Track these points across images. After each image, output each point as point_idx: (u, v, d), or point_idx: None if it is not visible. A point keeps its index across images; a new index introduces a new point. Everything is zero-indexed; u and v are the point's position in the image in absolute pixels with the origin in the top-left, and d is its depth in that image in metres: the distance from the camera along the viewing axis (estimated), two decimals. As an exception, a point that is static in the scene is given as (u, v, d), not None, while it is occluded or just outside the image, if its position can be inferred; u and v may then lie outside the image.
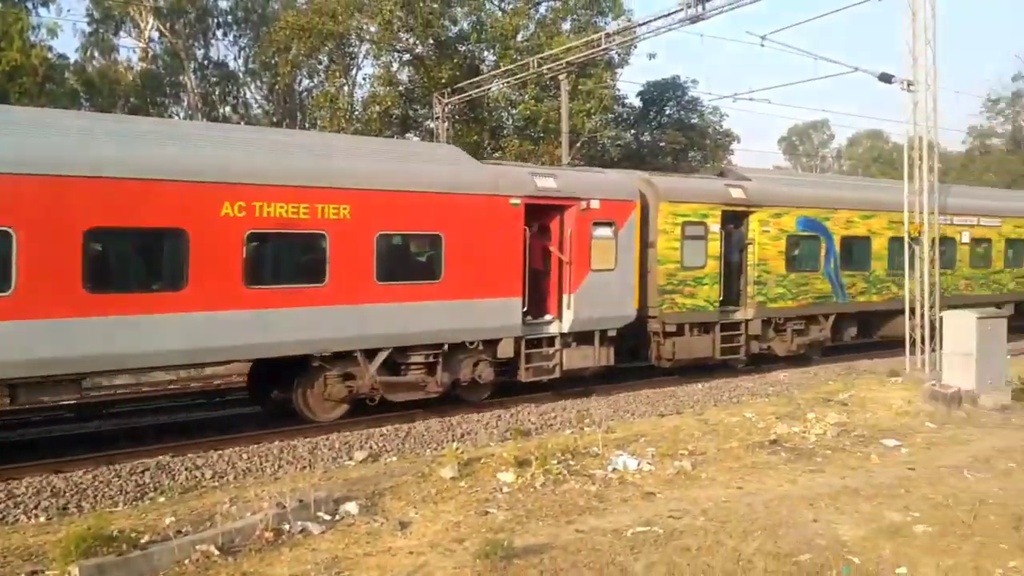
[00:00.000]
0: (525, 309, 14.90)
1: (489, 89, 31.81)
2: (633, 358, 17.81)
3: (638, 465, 10.23)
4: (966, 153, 66.92)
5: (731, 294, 18.30)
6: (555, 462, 9.87)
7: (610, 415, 14.22)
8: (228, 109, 44.19)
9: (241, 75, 45.32)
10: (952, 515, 9.29)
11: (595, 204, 15.60)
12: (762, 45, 19.16)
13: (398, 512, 8.54)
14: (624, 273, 16.18)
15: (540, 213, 15.38)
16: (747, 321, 18.36)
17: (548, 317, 15.61)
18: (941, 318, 15.12)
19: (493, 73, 32.24)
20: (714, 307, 17.66)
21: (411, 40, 34.66)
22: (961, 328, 14.19)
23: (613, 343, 16.30)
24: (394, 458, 11.55)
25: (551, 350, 15.57)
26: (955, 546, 8.75)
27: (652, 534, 8.00)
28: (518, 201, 14.58)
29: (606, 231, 15.90)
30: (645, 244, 16.83)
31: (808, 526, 8.51)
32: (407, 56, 35.82)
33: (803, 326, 19.46)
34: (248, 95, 45.86)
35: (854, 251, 20.45)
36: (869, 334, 21.74)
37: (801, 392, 15.52)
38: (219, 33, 44.34)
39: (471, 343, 14.38)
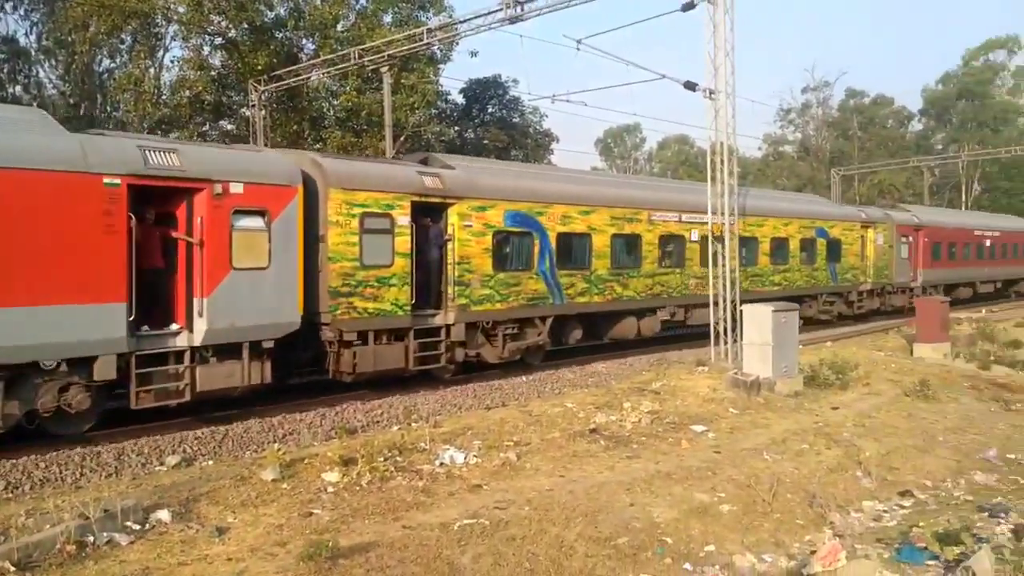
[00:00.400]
0: (133, 317, 11.78)
1: (309, 78, 30.95)
2: (317, 371, 15.88)
3: (465, 458, 10.31)
4: (762, 159, 72.42)
5: (429, 297, 16.32)
6: (382, 459, 9.76)
7: (438, 409, 14.23)
8: (19, 88, 40.25)
9: (33, 52, 41.41)
10: (754, 494, 10.04)
11: (236, 188, 12.89)
12: (578, 49, 19.62)
13: (215, 518, 8.14)
14: (282, 273, 13.52)
15: (158, 197, 12.51)
16: (448, 326, 16.33)
17: (174, 327, 12.62)
18: (742, 311, 16.28)
19: (312, 62, 31.41)
20: (405, 311, 15.45)
21: (224, 23, 33.10)
22: (759, 320, 15.34)
23: (270, 356, 13.56)
24: (210, 462, 10.99)
25: (179, 367, 12.54)
26: (757, 523, 9.47)
27: (479, 526, 8.09)
28: (117, 181, 11.51)
29: (254, 221, 13.19)
30: (313, 238, 14.28)
31: (626, 510, 8.91)
32: (220, 40, 34.19)
33: (517, 330, 17.80)
34: (41, 74, 42.01)
35: (574, 249, 18.99)
36: (599, 336, 20.71)
37: (618, 382, 16.20)
38: (8, 6, 40.23)
39: (48, 363, 11.18)
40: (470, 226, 16.54)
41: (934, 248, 34.16)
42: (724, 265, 18.10)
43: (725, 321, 17.89)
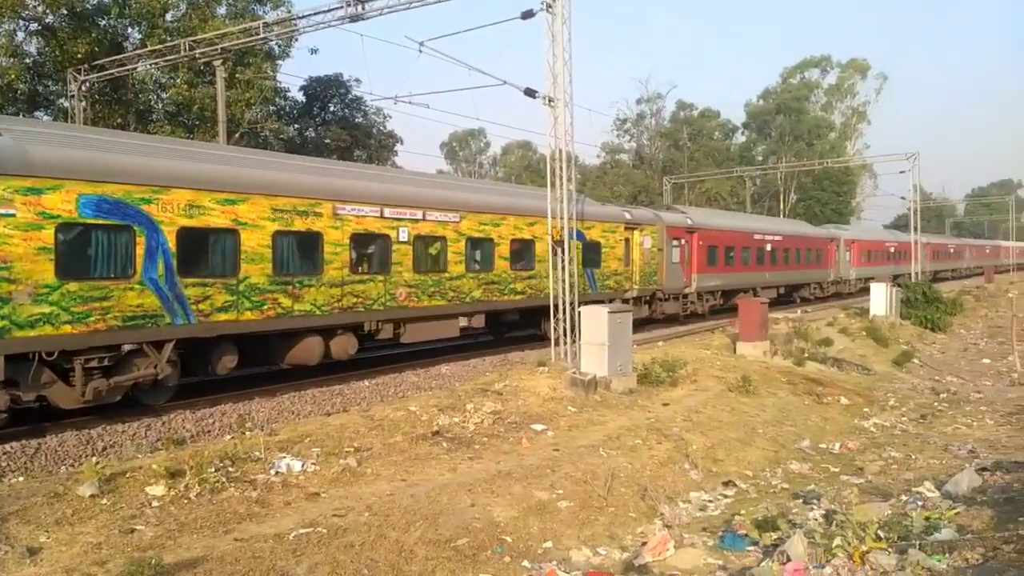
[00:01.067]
0: None
1: (135, 69, 29.18)
2: None
3: (303, 466, 10.01)
4: (600, 166, 74.97)
5: None
6: (212, 470, 9.30)
7: (274, 417, 13.77)
8: None
9: None
10: (590, 490, 10.35)
11: None
12: (420, 51, 19.48)
13: (26, 538, 7.49)
14: None
15: None
16: None
17: None
18: (580, 312, 16.74)
19: (139, 52, 29.62)
20: None
21: (40, 8, 30.66)
22: (596, 321, 15.82)
23: None
24: (20, 478, 10.12)
25: None
26: (593, 518, 9.76)
27: (316, 535, 7.88)
28: None
29: None
30: None
31: (466, 511, 8.94)
32: (35, 26, 31.63)
33: (110, 363, 13.18)
34: None
35: (209, 250, 14.72)
36: (272, 361, 16.77)
37: (462, 384, 16.26)
38: None
39: None
40: (11, 215, 11.86)
41: (710, 252, 32.65)
42: (564, 268, 18.53)
43: (564, 323, 18.35)
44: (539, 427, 12.83)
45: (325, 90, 40.67)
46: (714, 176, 60.57)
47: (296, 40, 34.82)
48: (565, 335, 18.21)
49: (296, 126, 40.39)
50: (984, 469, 11.23)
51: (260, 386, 16.02)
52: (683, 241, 30.71)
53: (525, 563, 8.20)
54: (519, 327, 23.67)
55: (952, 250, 71.05)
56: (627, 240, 27.08)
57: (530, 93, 18.86)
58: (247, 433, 11.64)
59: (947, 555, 7.12)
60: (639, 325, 23.67)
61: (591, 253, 24.91)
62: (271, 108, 36.50)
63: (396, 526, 8.27)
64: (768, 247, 38.16)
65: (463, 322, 20.41)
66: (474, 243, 20.47)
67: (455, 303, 19.82)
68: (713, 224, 34.31)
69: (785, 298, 41.22)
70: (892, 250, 56.86)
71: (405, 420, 12.47)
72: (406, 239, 18.36)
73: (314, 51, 44.37)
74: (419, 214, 18.57)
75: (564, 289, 18.31)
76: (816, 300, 43.50)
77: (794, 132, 71.66)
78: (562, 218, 18.34)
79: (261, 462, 10.04)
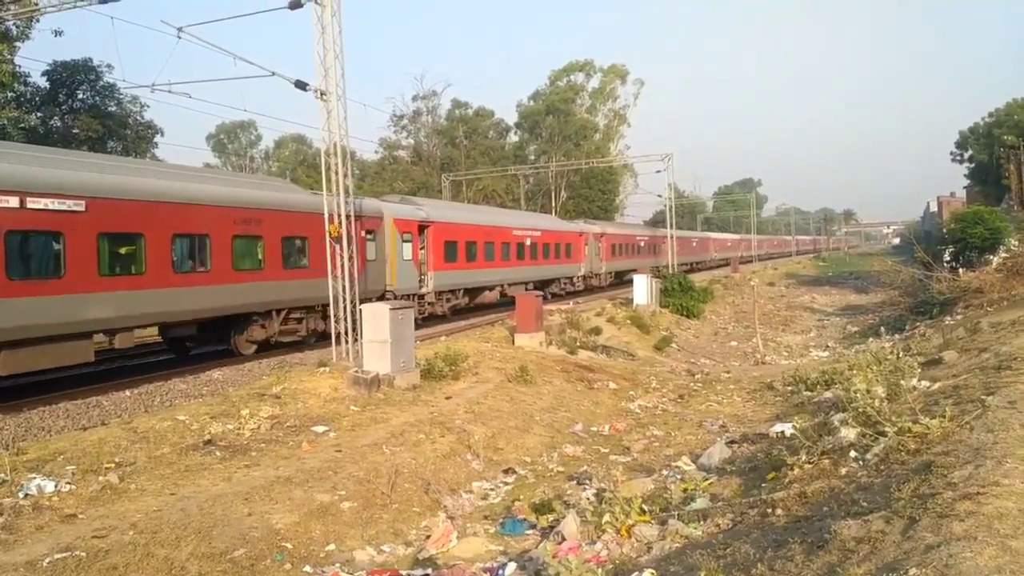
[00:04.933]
0: None
1: None
2: None
3: (56, 486, 9.17)
4: (379, 162, 74.43)
5: None
6: (-56, 500, 8.28)
7: (21, 434, 12.42)
8: None
9: None
10: (374, 488, 10.30)
11: None
12: (179, 37, 18.27)
13: None
14: None
15: None
16: None
17: None
18: (361, 310, 16.57)
19: None
20: None
21: None
22: (377, 318, 15.74)
23: None
24: None
25: None
26: (377, 516, 9.74)
27: (74, 559, 7.26)
28: None
29: None
30: None
31: (243, 521, 8.59)
32: None
33: None
34: None
35: None
36: None
37: (236, 389, 15.52)
38: None
39: None
40: None
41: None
42: (343, 266, 18.21)
43: (346, 321, 18.06)
44: (320, 429, 12.58)
45: (72, 76, 37.07)
46: (490, 174, 62.11)
47: (37, 21, 31.49)
48: (346, 333, 17.93)
49: (39, 114, 36.56)
50: (733, 442, 12.44)
51: (3, 401, 14.39)
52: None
53: (307, 568, 8.03)
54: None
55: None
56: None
57: (301, 85, 18.33)
58: (-13, 455, 10.45)
59: (702, 522, 7.83)
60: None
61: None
62: (9, 95, 32.78)
63: (165, 543, 7.78)
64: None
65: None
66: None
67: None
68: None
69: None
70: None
71: (173, 430, 11.74)
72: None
73: (58, 33, 40.30)
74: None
75: (344, 287, 18.00)
76: (567, 296, 41.34)
77: (563, 133, 74.92)
78: (340, 214, 18.00)
79: (7, 484, 9.06)
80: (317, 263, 19.90)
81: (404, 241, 26.65)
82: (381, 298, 23.49)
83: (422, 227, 28.39)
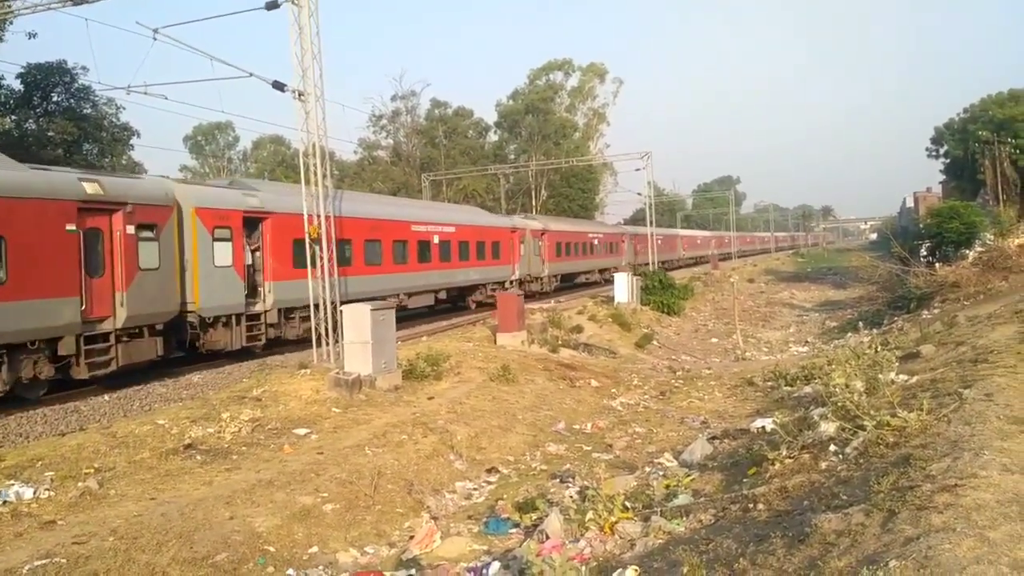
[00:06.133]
0: None
1: None
2: None
3: (35, 493, 9.09)
4: (358, 162, 74.16)
5: None
6: (-81, 508, 8.17)
7: (-2, 441, 12.29)
8: None
9: None
10: (356, 490, 10.27)
11: None
12: (154, 39, 18.07)
13: None
14: None
15: None
16: None
17: None
18: (342, 311, 16.50)
19: None
20: None
21: None
22: (359, 319, 15.69)
23: None
24: None
25: None
26: (360, 517, 9.70)
27: (54, 566, 7.19)
28: None
29: None
30: None
31: (225, 525, 8.54)
32: None
33: None
34: None
35: None
36: None
37: (216, 393, 15.41)
38: None
39: None
40: None
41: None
42: (323, 267, 18.11)
43: (326, 322, 17.97)
44: (302, 431, 12.52)
45: (47, 78, 36.70)
46: (470, 173, 62.05)
47: (10, 23, 31.11)
48: (327, 335, 17.84)
49: (13, 117, 36.12)
50: (714, 437, 12.51)
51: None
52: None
53: (290, 571, 7.99)
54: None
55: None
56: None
57: (278, 86, 18.20)
58: (-37, 463, 10.33)
59: (684, 518, 7.87)
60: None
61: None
62: (-19, 98, 32.43)
63: (146, 548, 7.72)
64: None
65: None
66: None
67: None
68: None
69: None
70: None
71: (153, 435, 11.64)
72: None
73: (32, 35, 39.81)
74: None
75: (324, 288, 17.93)
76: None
77: (542, 132, 74.92)
78: (318, 215, 17.91)
79: (-17, 493, 8.95)
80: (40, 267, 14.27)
81: (218, 240, 19.04)
82: (179, 320, 17.98)
83: (252, 220, 20.33)
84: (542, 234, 40.83)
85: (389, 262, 26.62)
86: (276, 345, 21.11)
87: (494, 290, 32.13)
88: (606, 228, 56.89)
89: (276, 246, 20.83)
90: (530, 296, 35.29)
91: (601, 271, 49.00)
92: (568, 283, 45.56)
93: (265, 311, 20.59)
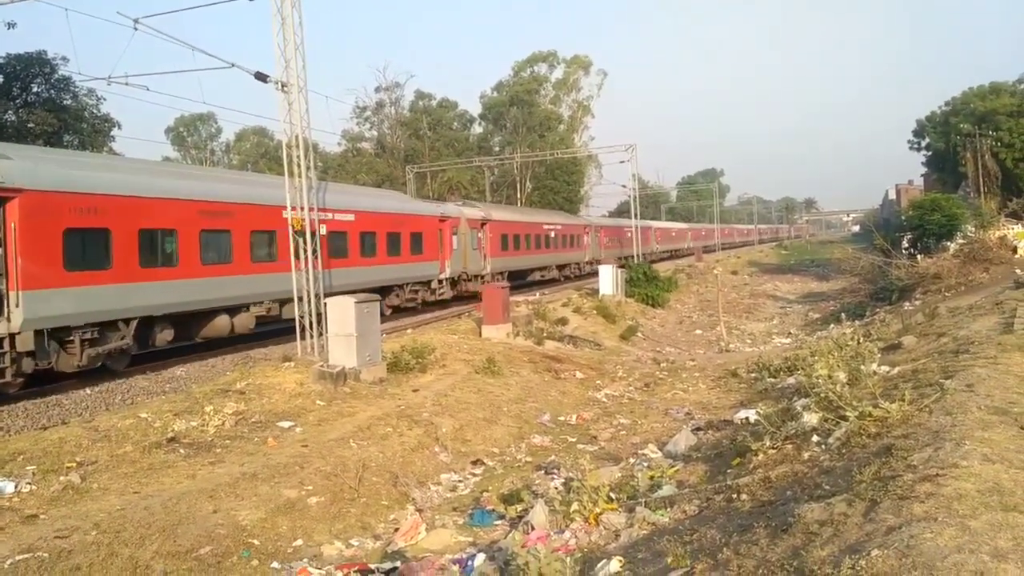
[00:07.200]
0: None
1: None
2: None
3: (16, 487, 9.01)
4: (342, 154, 73.80)
5: None
6: (-102, 503, 8.08)
7: (-23, 436, 12.15)
8: None
9: None
10: (341, 483, 10.25)
11: None
12: (135, 29, 17.83)
13: None
14: None
15: None
16: None
17: None
18: (326, 304, 16.43)
19: None
20: None
21: None
22: (343, 312, 15.63)
23: None
24: None
25: None
26: (345, 510, 9.69)
27: (36, 560, 7.13)
28: None
29: None
30: None
31: (209, 518, 8.50)
32: None
33: None
34: None
35: None
36: None
37: (199, 386, 15.31)
38: None
39: None
40: None
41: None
42: (308, 259, 18.01)
43: (310, 315, 17.89)
44: (286, 424, 12.47)
45: (26, 69, 36.31)
46: (455, 165, 61.90)
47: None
48: (311, 327, 17.76)
49: (-9, 108, 35.77)
50: (698, 429, 12.58)
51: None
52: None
53: (275, 564, 7.97)
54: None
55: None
56: None
57: (261, 77, 18.05)
58: (-58, 457, 10.22)
59: (669, 509, 7.91)
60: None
61: None
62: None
63: (129, 542, 7.67)
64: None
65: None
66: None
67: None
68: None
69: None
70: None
71: (135, 428, 11.56)
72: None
73: (11, 25, 39.31)
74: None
75: (308, 280, 17.83)
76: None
77: (527, 124, 74.84)
78: (302, 207, 17.80)
79: (-38, 488, 8.87)
80: None
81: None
82: None
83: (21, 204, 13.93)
84: (482, 224, 34.78)
85: (245, 260, 19.69)
86: (47, 380, 15.37)
87: (415, 291, 28.55)
88: (566, 218, 50.49)
89: (32, 238, 14.21)
90: (469, 297, 31.06)
91: (560, 267, 44.43)
92: (519, 281, 39.34)
93: (11, 334, 13.92)
